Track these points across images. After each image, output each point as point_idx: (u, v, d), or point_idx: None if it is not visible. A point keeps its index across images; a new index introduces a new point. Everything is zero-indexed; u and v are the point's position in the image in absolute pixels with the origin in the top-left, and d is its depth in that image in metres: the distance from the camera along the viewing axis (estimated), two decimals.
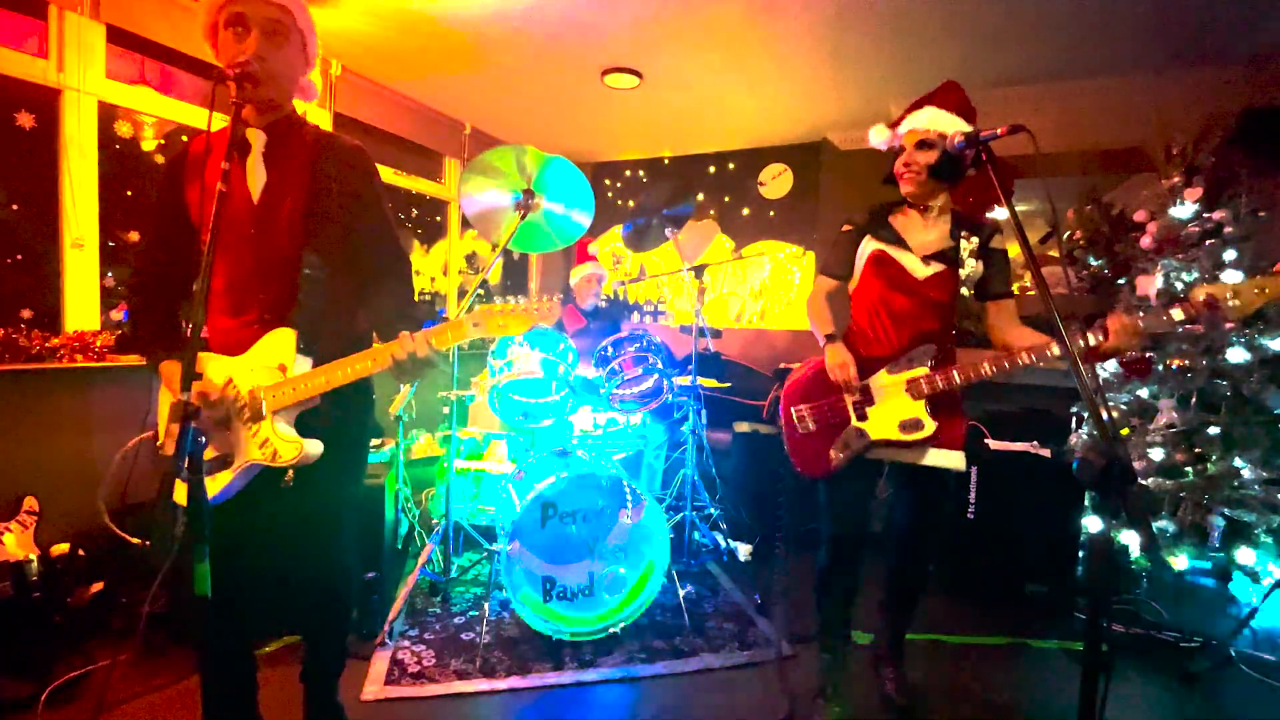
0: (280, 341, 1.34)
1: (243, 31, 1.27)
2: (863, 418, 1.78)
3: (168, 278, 1.42)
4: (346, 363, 1.31)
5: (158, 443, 1.35)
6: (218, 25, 1.29)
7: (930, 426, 1.71)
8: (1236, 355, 2.58)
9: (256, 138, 1.34)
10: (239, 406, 1.32)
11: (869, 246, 1.84)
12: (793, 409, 1.88)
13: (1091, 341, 1.48)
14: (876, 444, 1.77)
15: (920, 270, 1.78)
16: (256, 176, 1.35)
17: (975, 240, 1.79)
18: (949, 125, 1.69)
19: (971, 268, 1.77)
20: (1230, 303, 1.33)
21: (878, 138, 1.85)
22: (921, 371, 1.73)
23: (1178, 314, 1.40)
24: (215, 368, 1.34)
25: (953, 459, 1.76)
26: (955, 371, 1.68)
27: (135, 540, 2.26)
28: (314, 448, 1.32)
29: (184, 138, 2.81)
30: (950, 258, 1.76)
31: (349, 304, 1.49)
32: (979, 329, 2.50)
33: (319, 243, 1.36)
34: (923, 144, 1.72)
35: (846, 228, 1.91)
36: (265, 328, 1.35)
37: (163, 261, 1.41)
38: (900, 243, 1.80)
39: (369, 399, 1.58)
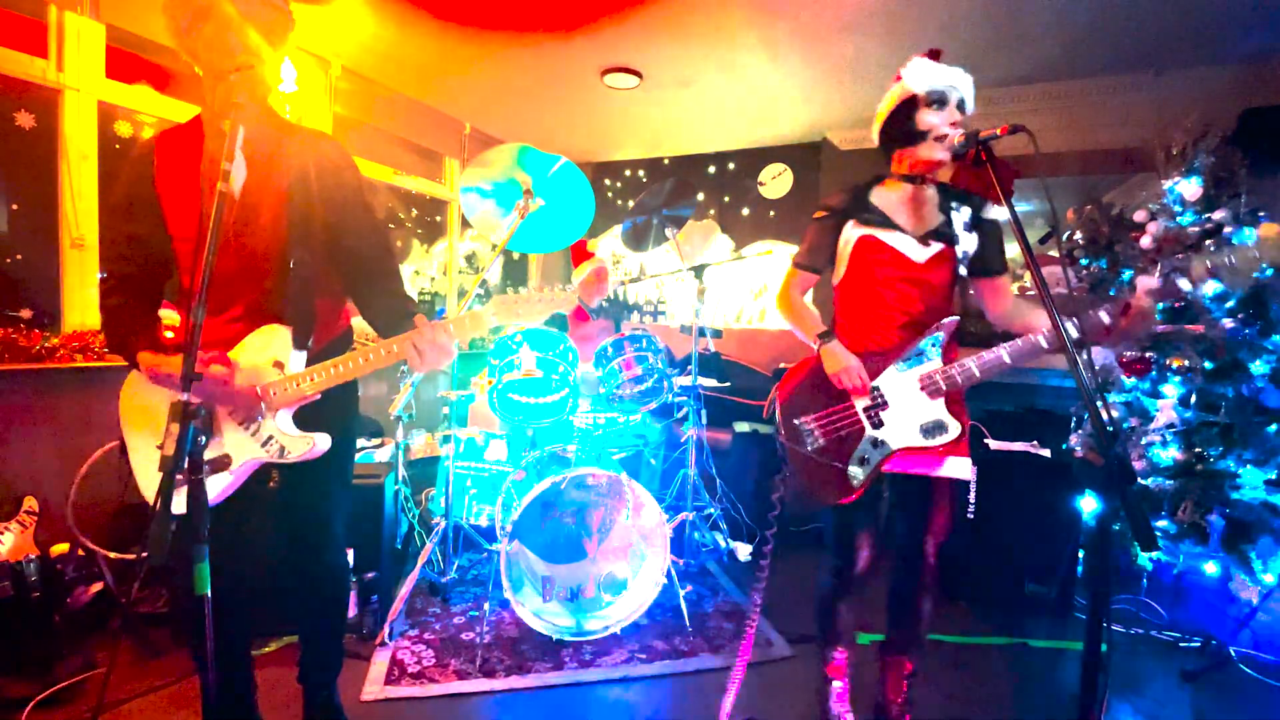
0: (274, 338, 1.33)
1: (236, 24, 1.23)
2: (878, 424, 1.55)
3: (139, 278, 1.37)
4: (357, 355, 1.31)
5: (158, 450, 1.33)
6: (206, 11, 1.23)
7: (957, 428, 1.52)
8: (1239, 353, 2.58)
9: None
10: (242, 408, 1.31)
11: (854, 233, 1.62)
12: (795, 422, 1.60)
13: (1108, 320, 1.37)
14: (898, 453, 1.55)
15: (919, 253, 1.58)
16: (236, 172, 1.31)
17: (966, 211, 1.59)
18: (970, 98, 1.54)
19: (964, 242, 1.58)
20: (1229, 271, 1.31)
21: (922, 79, 1.54)
22: (935, 364, 1.54)
23: (1185, 284, 1.35)
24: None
25: (961, 468, 1.57)
26: (973, 363, 1.49)
27: (110, 554, 2.24)
28: (323, 441, 1.33)
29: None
30: (947, 235, 1.58)
31: (335, 298, 1.49)
32: (980, 328, 2.48)
33: (304, 237, 1.34)
34: (961, 104, 1.54)
35: (820, 214, 1.68)
36: (250, 324, 1.34)
37: (136, 262, 1.36)
38: (890, 224, 1.59)
39: (355, 395, 1.59)
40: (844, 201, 1.65)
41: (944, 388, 1.52)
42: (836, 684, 1.81)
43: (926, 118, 1.53)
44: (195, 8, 1.23)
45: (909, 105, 1.56)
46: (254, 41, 1.27)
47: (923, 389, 1.54)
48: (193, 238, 1.28)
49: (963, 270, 1.60)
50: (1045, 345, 1.41)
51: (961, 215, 1.59)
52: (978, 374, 1.49)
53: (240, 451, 1.31)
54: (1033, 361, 1.50)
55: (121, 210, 1.35)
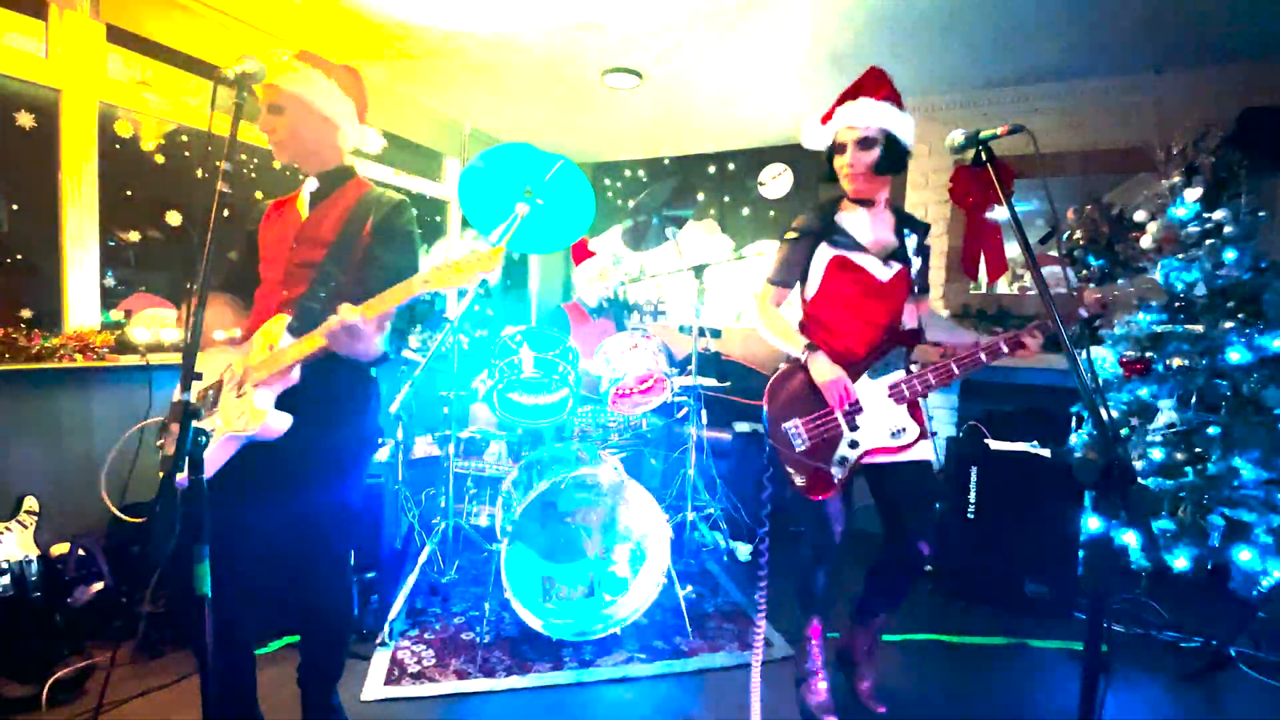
0: (276, 324, 1.44)
1: (265, 113, 1.52)
2: (854, 427, 1.73)
3: (224, 289, 1.67)
4: (291, 347, 1.39)
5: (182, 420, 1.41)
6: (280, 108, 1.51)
7: (915, 430, 1.72)
8: (1237, 355, 2.58)
9: (310, 182, 1.59)
10: (235, 384, 1.43)
11: (826, 253, 1.80)
12: (784, 426, 1.77)
13: (1006, 350, 1.63)
14: (869, 452, 1.73)
15: (883, 273, 1.77)
16: (305, 205, 1.59)
17: (914, 238, 1.81)
18: (889, 119, 1.68)
19: (914, 264, 1.80)
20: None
21: (812, 137, 1.81)
22: (900, 375, 1.73)
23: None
24: (221, 359, 1.52)
25: (927, 450, 1.77)
26: (931, 374, 1.69)
27: (138, 519, 2.25)
28: (277, 421, 1.35)
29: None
30: (903, 256, 1.79)
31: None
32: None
33: (340, 255, 1.50)
34: (865, 142, 1.69)
35: (793, 234, 1.85)
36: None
37: (225, 277, 1.69)
38: (858, 247, 1.78)
39: (368, 398, 1.58)
40: (815, 223, 1.82)
41: (907, 395, 1.72)
42: (821, 684, 1.87)
43: (834, 161, 1.78)
44: (269, 103, 1.50)
45: (831, 150, 1.81)
46: (272, 125, 1.51)
47: (890, 395, 1.73)
48: (268, 273, 1.57)
49: (917, 288, 1.84)
50: (984, 359, 1.66)
51: (911, 241, 1.81)
52: (934, 383, 1.70)
53: (223, 424, 1.39)
54: (1030, 361, 1.68)
55: (233, 242, 1.70)
